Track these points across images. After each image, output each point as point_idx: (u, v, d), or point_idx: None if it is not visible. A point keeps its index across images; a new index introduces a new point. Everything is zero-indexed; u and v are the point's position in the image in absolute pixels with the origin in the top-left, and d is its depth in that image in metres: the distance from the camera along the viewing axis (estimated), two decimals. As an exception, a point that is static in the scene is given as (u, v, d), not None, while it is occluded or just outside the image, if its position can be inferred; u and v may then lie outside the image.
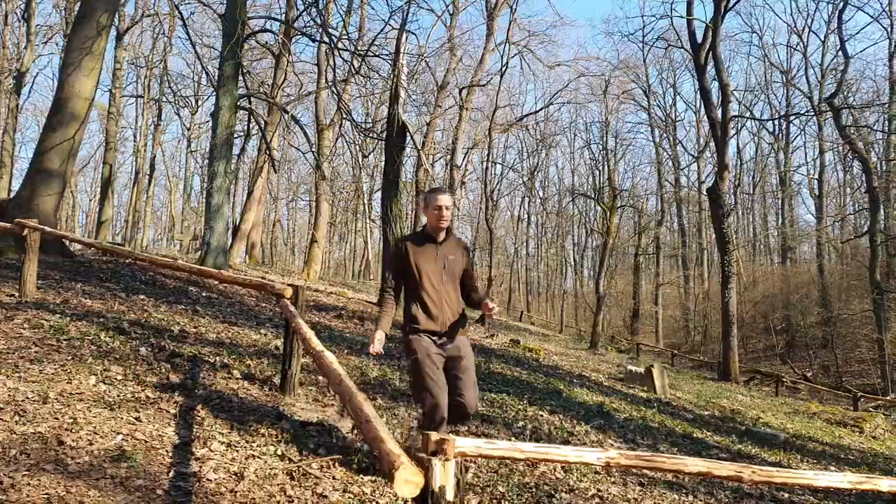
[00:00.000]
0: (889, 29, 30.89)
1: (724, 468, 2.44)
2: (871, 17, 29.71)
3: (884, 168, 31.06)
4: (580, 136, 46.97)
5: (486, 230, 27.95)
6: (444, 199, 3.72)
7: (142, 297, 7.65)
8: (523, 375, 9.09)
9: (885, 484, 2.77)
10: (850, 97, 31.60)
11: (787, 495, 5.48)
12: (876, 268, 24.58)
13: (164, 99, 26.51)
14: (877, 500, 5.73)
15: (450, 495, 2.09)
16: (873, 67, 50.45)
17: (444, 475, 2.08)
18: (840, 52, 27.74)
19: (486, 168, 27.86)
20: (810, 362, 29.10)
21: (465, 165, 27.13)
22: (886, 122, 31.18)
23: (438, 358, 3.70)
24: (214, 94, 11.53)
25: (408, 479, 2.02)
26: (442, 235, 3.79)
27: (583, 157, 47.34)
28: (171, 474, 3.45)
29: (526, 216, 48.46)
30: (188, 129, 30.97)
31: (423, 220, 3.86)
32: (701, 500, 4.80)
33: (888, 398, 19.45)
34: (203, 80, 25.92)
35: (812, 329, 32.12)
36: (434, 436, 2.12)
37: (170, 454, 3.70)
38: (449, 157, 25.65)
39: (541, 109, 31.81)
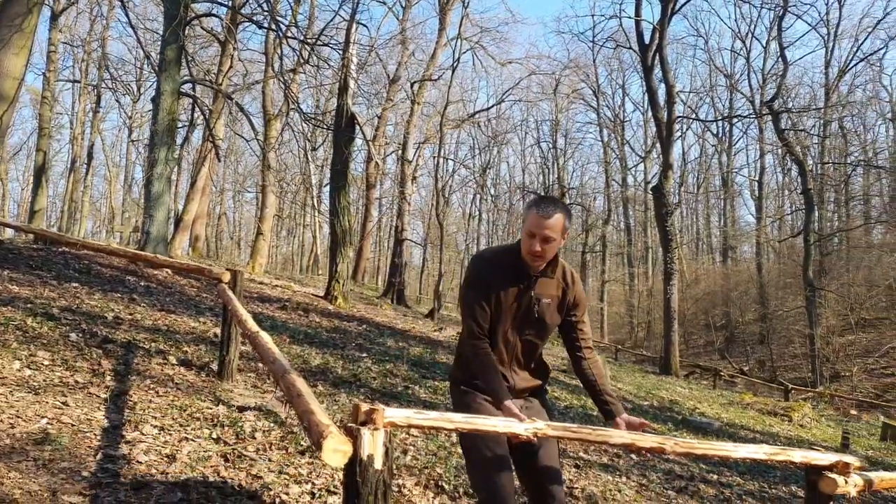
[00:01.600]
0: (825, 38, 32.20)
1: (647, 440, 2.50)
2: (810, 25, 31.05)
3: (818, 171, 32.37)
4: (531, 134, 47.41)
5: (436, 226, 28.00)
6: (547, 226, 2.41)
7: (74, 284, 7.40)
8: (468, 366, 9.15)
9: (797, 455, 2.91)
10: (789, 102, 32.81)
11: (715, 476, 5.68)
12: (809, 266, 25.62)
13: (104, 85, 25.56)
14: (798, 479, 5.98)
15: (378, 464, 2.10)
16: (811, 74, 52.40)
17: (373, 444, 2.08)
18: (780, 59, 28.78)
19: (438, 164, 27.88)
20: (747, 357, 30.12)
21: (417, 160, 27.03)
22: (822, 126, 32.48)
23: None
24: (156, 79, 11.22)
25: (336, 449, 2.02)
26: (540, 266, 2.52)
27: (533, 155, 47.87)
28: (98, 457, 3.36)
29: (477, 213, 48.72)
30: (129, 118, 29.94)
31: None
32: (634, 482, 4.93)
33: (817, 390, 20.31)
34: (145, 67, 25.10)
35: (750, 325, 33.26)
36: (364, 406, 2.12)
37: (98, 438, 3.60)
38: (400, 151, 25.58)
39: (492, 106, 31.95)
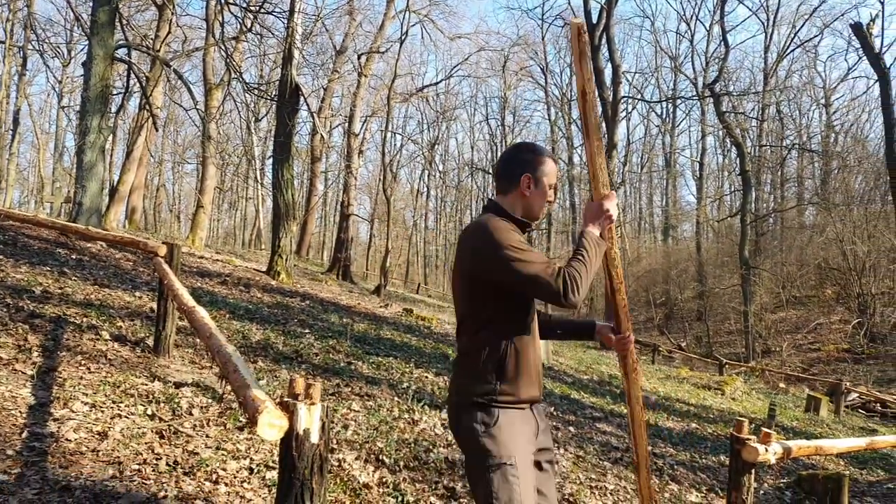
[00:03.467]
0: (765, 23, 33.13)
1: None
2: (751, 10, 31.87)
3: (756, 153, 33.45)
4: (479, 111, 47.45)
5: (384, 201, 27.77)
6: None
7: None
8: (413, 341, 9.18)
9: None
10: (730, 85, 33.72)
11: (649, 447, 5.87)
12: (745, 246, 26.56)
13: (31, 46, 24.13)
14: (727, 450, 6.24)
15: (314, 438, 2.08)
16: (751, 59, 53.98)
17: (310, 418, 2.07)
18: (722, 42, 29.45)
19: (385, 138, 27.58)
20: (685, 333, 31.13)
21: (363, 134, 26.70)
22: (760, 110, 33.51)
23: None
24: (87, 42, 10.66)
25: (272, 423, 2.00)
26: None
27: (482, 131, 47.98)
28: (24, 435, 3.24)
29: (426, 189, 48.63)
30: (59, 82, 28.49)
31: (515, 201, 2.19)
32: (571, 454, 5.05)
33: (749, 365, 21.19)
34: (76, 29, 23.77)
35: (688, 303, 34.35)
36: (300, 380, 2.10)
37: (24, 415, 3.47)
38: (346, 124, 25.20)
39: (441, 81, 31.86)
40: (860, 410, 14.43)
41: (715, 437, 7.39)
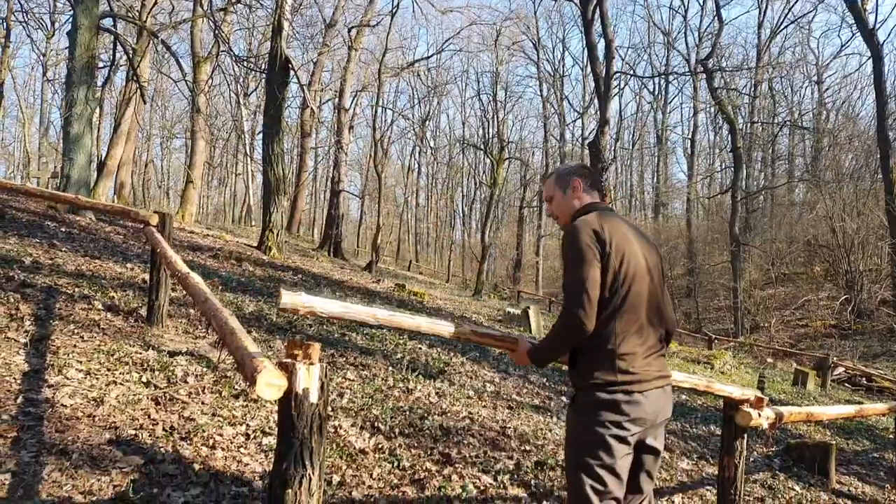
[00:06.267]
0: (759, -2, 32.91)
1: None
2: (744, -14, 31.68)
3: (748, 130, 33.43)
4: (471, 86, 47.06)
5: (375, 178, 27.62)
6: (544, 187, 2.61)
7: (-11, 228, 6.99)
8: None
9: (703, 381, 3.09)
10: (723, 61, 33.55)
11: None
12: (735, 223, 26.67)
13: (13, 18, 23.59)
14: (716, 420, 6.31)
15: (314, 398, 2.09)
16: (744, 35, 53.68)
17: (308, 378, 2.07)
18: (715, 17, 29.24)
19: (376, 113, 27.35)
20: (675, 309, 31.28)
21: (354, 109, 26.44)
22: (752, 87, 33.43)
23: None
24: (72, 12, 10.44)
25: (270, 383, 2.00)
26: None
27: (473, 107, 47.71)
28: (19, 401, 3.23)
29: (416, 166, 48.40)
30: (43, 55, 27.94)
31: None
32: (563, 422, 5.09)
33: (738, 339, 21.42)
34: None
35: (678, 279, 34.54)
36: (298, 340, 2.10)
37: (19, 382, 3.46)
38: (336, 98, 24.93)
39: (432, 55, 31.51)
40: (846, 384, 14.63)
41: (705, 409, 7.48)
